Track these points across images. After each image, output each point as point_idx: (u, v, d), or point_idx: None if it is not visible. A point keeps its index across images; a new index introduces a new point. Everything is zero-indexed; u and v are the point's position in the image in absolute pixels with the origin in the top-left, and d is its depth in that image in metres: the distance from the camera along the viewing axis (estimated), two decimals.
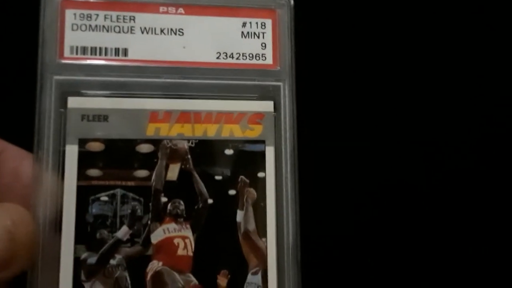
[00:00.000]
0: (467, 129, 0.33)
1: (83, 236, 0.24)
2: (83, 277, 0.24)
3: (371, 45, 0.34)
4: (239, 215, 0.26)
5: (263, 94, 0.27)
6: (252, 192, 0.26)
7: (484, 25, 0.34)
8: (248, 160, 0.26)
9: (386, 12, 0.34)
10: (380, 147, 0.33)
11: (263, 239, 0.26)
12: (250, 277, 0.25)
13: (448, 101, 0.33)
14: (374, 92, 0.33)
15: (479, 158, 0.33)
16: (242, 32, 0.27)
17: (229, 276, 0.25)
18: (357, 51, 0.33)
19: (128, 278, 0.24)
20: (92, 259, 0.24)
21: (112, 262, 0.24)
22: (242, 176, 0.26)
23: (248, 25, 0.27)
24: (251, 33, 0.27)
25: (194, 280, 0.25)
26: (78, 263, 0.24)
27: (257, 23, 0.27)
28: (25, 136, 0.24)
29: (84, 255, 0.24)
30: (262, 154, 0.26)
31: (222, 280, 0.25)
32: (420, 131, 0.33)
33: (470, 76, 0.33)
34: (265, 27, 0.27)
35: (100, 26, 0.26)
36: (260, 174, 0.26)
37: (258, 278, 0.26)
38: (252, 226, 0.26)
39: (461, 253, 0.31)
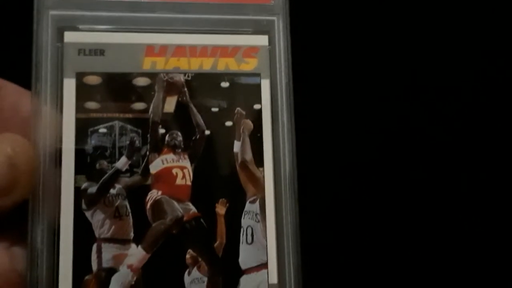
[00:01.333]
0: (465, 127, 0.33)
1: (83, 166, 0.25)
2: (84, 206, 0.24)
3: None
4: (236, 146, 0.26)
5: (257, 28, 0.27)
6: (249, 123, 0.26)
7: (484, 25, 0.34)
8: (244, 92, 0.27)
9: None
10: (375, 89, 0.33)
11: (260, 169, 0.26)
12: (248, 206, 0.26)
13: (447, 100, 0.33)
14: (368, 28, 0.33)
15: (480, 158, 0.32)
16: None
17: (227, 204, 0.26)
18: None
19: (128, 207, 0.25)
20: (93, 189, 0.25)
21: (112, 191, 0.25)
22: (238, 108, 0.26)
23: None
24: None
25: (193, 208, 0.25)
26: (78, 193, 0.24)
27: None
28: (23, 72, 0.25)
29: (84, 185, 0.25)
30: (258, 87, 0.27)
31: (220, 208, 0.26)
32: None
33: (468, 77, 0.33)
34: None
35: None
36: (256, 106, 0.27)
37: (256, 206, 0.26)
38: (249, 156, 0.26)
39: (460, 254, 0.31)
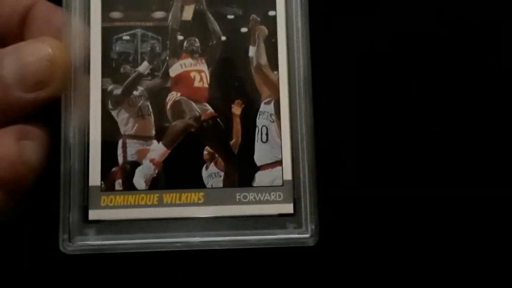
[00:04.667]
0: (466, 127, 0.32)
1: (108, 70, 0.27)
2: (110, 106, 0.27)
3: None
4: (251, 51, 0.27)
5: None
6: (263, 29, 0.27)
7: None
8: (259, 0, 0.28)
9: None
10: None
11: (275, 72, 0.27)
12: (263, 106, 0.27)
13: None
14: None
15: (481, 160, 0.31)
16: None
17: (242, 105, 0.27)
18: None
19: (150, 107, 0.27)
20: (118, 91, 0.27)
21: (135, 93, 0.27)
22: (253, 15, 0.27)
23: None
24: None
25: (210, 109, 0.27)
26: (105, 94, 0.27)
27: None
28: None
29: (110, 87, 0.27)
30: None
31: (236, 109, 0.27)
32: None
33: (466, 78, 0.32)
34: None
35: None
36: (271, 13, 0.28)
37: (270, 107, 0.27)
38: (264, 60, 0.27)
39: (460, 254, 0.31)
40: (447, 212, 0.30)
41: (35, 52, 0.25)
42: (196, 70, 0.27)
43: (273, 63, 0.27)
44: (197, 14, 0.28)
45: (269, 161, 0.27)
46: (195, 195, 0.26)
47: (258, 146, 0.27)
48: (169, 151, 0.27)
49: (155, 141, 0.27)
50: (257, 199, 0.26)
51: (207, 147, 0.27)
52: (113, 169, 0.26)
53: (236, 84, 0.27)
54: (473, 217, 0.31)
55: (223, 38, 0.27)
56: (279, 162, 0.27)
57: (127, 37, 0.27)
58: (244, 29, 0.27)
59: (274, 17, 0.28)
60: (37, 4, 0.28)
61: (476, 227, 0.31)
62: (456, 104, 0.31)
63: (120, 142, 0.26)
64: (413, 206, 0.30)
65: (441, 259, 0.30)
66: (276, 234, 0.26)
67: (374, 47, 0.31)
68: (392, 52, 0.31)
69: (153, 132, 0.27)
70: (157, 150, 0.27)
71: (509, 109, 0.32)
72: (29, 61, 0.25)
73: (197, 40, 0.27)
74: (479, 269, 0.30)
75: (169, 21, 0.27)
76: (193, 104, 0.27)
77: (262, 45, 0.27)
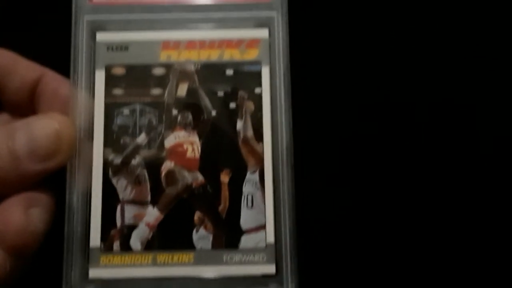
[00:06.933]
0: (463, 126, 0.35)
1: (110, 142, 0.30)
2: (110, 174, 0.29)
3: None
4: (239, 124, 0.30)
5: (259, 23, 0.31)
6: (250, 104, 0.31)
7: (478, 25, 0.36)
8: (246, 78, 0.31)
9: None
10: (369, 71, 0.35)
11: (260, 144, 0.30)
12: (249, 175, 0.30)
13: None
14: (364, 24, 0.36)
15: (477, 157, 0.34)
16: None
17: (231, 174, 0.30)
18: None
19: (146, 175, 0.30)
20: (117, 160, 0.30)
21: (134, 162, 0.30)
22: (241, 92, 0.31)
23: None
24: None
25: (200, 177, 0.30)
26: (106, 163, 0.30)
27: None
28: (62, 64, 0.30)
29: (111, 157, 0.30)
30: (259, 73, 0.31)
31: (224, 177, 0.30)
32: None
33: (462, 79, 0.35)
34: None
35: None
36: (257, 90, 0.31)
37: (256, 176, 0.30)
38: (250, 132, 0.30)
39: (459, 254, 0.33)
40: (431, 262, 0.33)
41: (44, 127, 0.28)
42: (188, 142, 0.30)
43: (258, 135, 0.30)
44: (191, 91, 0.31)
45: (254, 225, 0.29)
46: (186, 256, 0.29)
47: (244, 211, 0.29)
48: (163, 216, 0.29)
49: (150, 206, 0.29)
50: (243, 260, 0.29)
51: (197, 212, 0.29)
52: (112, 231, 0.29)
53: (225, 154, 0.30)
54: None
55: (214, 113, 0.30)
56: (263, 227, 0.29)
57: (127, 112, 0.30)
58: (232, 105, 0.31)
59: (260, 94, 0.31)
60: (46, 76, 0.31)
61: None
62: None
63: (118, 207, 0.29)
64: (395, 265, 0.33)
65: None
66: None
67: (353, 127, 0.34)
68: (373, 128, 0.34)
69: (149, 198, 0.29)
70: (152, 214, 0.29)
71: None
72: (39, 136, 0.27)
73: (190, 114, 0.30)
74: None
75: (165, 97, 0.30)
76: (186, 172, 0.30)
77: (249, 119, 0.30)
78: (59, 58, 0.30)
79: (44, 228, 0.27)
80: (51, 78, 0.30)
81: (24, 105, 0.31)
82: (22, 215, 0.26)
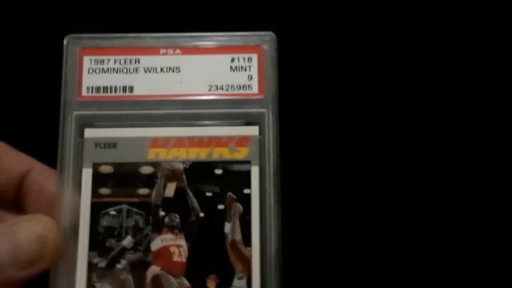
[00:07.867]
0: (459, 126, 0.34)
1: (95, 244, 0.29)
2: (94, 279, 0.29)
3: (352, 74, 0.36)
4: (227, 227, 0.30)
5: (249, 120, 0.31)
6: (239, 206, 0.30)
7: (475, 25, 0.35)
8: (235, 178, 0.30)
9: (367, 46, 0.36)
10: (361, 169, 0.35)
11: (248, 248, 0.29)
12: (236, 282, 0.29)
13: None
14: (354, 118, 0.35)
15: (475, 157, 0.34)
16: (231, 67, 0.31)
17: (217, 280, 0.29)
18: (338, 80, 0.36)
19: (131, 280, 0.29)
20: (102, 264, 0.29)
21: (119, 266, 0.29)
22: (230, 193, 0.30)
23: (236, 60, 0.31)
24: (238, 67, 0.31)
25: (186, 283, 0.29)
26: (91, 267, 0.29)
27: (244, 58, 0.31)
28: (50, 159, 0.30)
29: (95, 260, 0.29)
30: (248, 173, 0.30)
31: (211, 283, 0.29)
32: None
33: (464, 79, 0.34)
34: (251, 61, 0.31)
35: (111, 68, 0.31)
36: (246, 191, 0.30)
37: (243, 283, 0.29)
38: (238, 236, 0.30)
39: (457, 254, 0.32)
40: None
41: (27, 232, 0.27)
42: (175, 245, 0.30)
43: (247, 239, 0.29)
44: (178, 191, 0.30)
45: None
46: None
47: None
48: None
49: None
50: None
51: None
52: None
53: (212, 259, 0.29)
54: None
55: (201, 214, 0.30)
56: None
57: (114, 212, 0.30)
58: (221, 206, 0.30)
59: (249, 195, 0.30)
60: (34, 171, 0.30)
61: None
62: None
63: None
64: None
65: None
66: None
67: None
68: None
69: None
70: None
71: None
72: (22, 242, 0.27)
73: (177, 216, 0.30)
74: None
75: (152, 197, 0.30)
76: (171, 278, 0.29)
77: (237, 222, 0.30)
78: (47, 151, 0.30)
79: None
80: (39, 173, 0.30)
81: (11, 201, 0.30)
82: None
